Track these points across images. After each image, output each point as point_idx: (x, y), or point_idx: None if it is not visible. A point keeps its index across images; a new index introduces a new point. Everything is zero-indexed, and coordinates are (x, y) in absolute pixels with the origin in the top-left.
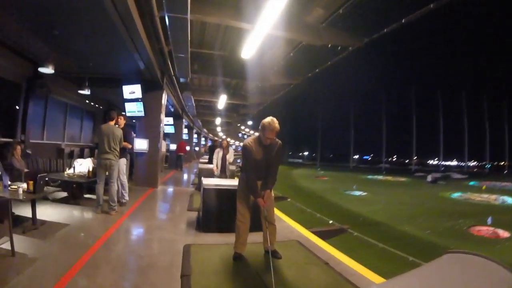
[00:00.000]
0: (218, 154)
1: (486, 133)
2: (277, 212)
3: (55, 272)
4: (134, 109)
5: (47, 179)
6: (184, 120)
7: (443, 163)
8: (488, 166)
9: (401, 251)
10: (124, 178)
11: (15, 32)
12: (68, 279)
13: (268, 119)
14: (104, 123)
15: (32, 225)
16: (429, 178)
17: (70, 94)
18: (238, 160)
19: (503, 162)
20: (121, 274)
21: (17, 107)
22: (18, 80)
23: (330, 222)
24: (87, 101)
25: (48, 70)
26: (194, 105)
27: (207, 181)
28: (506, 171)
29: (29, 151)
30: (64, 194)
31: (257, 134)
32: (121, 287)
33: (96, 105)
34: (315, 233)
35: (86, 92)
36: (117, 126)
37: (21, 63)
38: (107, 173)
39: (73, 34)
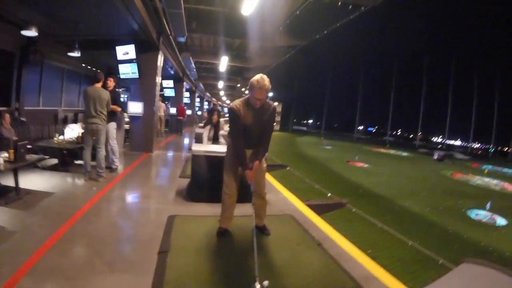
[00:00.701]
0: (209, 132)
1: (494, 117)
2: (274, 182)
3: (30, 247)
4: (128, 71)
5: (29, 146)
6: (185, 83)
7: (447, 141)
8: (492, 149)
9: (399, 231)
10: (114, 143)
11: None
12: (40, 254)
13: (257, 76)
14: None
15: (16, 195)
16: (436, 155)
17: (65, 59)
18: None
19: (507, 148)
20: (96, 249)
21: (11, 75)
22: (10, 48)
23: (329, 195)
24: (83, 65)
25: (31, 33)
26: (194, 67)
27: (197, 147)
28: (509, 157)
29: (23, 119)
30: (55, 161)
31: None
32: (93, 264)
33: (94, 69)
34: (311, 206)
35: (76, 54)
36: (107, 88)
37: (13, 31)
38: (94, 138)
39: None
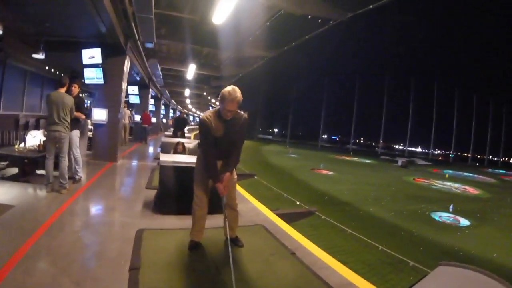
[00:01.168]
0: None
1: (454, 124)
2: (243, 192)
3: None
4: (93, 76)
5: None
6: (151, 90)
7: (409, 148)
8: (452, 155)
9: (366, 236)
10: (78, 152)
11: None
12: (4, 275)
13: (229, 88)
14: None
15: None
16: (400, 162)
17: (29, 60)
18: None
19: (466, 153)
20: (62, 267)
21: None
22: None
23: (297, 203)
24: (47, 68)
25: None
26: (161, 74)
27: (164, 157)
28: (469, 162)
29: None
30: (15, 170)
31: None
32: (60, 284)
33: (57, 72)
34: (281, 215)
35: (41, 56)
36: (71, 94)
37: None
38: (57, 146)
39: None
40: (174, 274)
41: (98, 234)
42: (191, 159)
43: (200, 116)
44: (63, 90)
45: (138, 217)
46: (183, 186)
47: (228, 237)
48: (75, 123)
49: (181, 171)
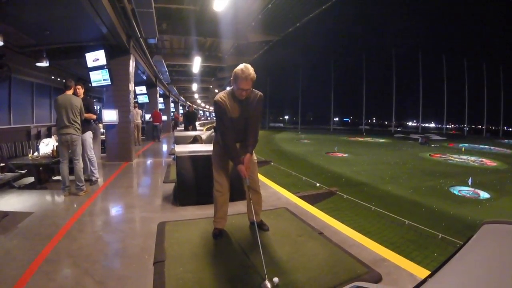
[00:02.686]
0: None
1: (465, 97)
2: (261, 177)
3: (12, 274)
4: (99, 78)
5: (2, 164)
6: (158, 88)
7: (422, 125)
8: (466, 128)
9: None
10: (92, 154)
11: None
12: (25, 281)
13: (241, 66)
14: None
15: None
16: (420, 139)
17: (34, 72)
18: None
19: (481, 126)
20: (84, 268)
21: None
22: None
23: (317, 185)
24: (53, 77)
25: None
26: (167, 70)
27: (180, 148)
28: (484, 134)
29: None
30: (31, 179)
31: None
32: (83, 285)
33: (64, 80)
34: (303, 197)
35: (45, 64)
36: (78, 96)
37: None
38: (70, 150)
39: (24, 2)
40: (201, 263)
41: (119, 231)
42: (207, 148)
43: (214, 99)
44: (70, 92)
45: (158, 211)
46: (201, 175)
47: (254, 221)
48: (87, 125)
49: (198, 160)
